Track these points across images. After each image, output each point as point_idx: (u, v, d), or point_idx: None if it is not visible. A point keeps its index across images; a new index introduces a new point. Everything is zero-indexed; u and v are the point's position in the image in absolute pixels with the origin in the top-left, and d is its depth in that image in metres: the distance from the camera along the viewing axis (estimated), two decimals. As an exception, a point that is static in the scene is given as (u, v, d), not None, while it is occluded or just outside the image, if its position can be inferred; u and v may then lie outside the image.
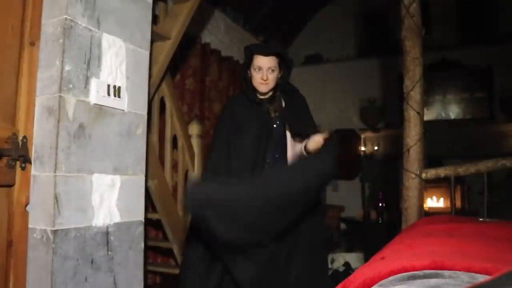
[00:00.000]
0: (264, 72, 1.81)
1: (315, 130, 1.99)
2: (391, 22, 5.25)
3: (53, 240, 1.17)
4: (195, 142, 2.82)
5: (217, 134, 2.01)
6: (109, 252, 1.36)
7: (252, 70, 1.84)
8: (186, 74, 3.76)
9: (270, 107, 1.91)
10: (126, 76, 1.45)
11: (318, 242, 1.88)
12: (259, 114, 1.91)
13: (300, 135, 1.87)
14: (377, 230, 4.46)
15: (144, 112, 1.55)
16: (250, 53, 1.84)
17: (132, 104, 1.48)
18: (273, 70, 1.82)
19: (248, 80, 1.89)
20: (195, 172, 2.78)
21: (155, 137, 2.54)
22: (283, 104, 1.93)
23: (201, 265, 1.77)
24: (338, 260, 3.54)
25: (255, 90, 1.89)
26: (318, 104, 5.43)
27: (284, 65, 1.88)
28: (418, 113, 1.99)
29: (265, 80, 1.81)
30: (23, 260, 1.22)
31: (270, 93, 1.89)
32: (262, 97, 1.91)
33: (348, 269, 3.35)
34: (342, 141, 5.63)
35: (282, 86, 1.90)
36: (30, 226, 1.23)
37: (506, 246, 1.00)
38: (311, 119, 1.99)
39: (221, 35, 4.39)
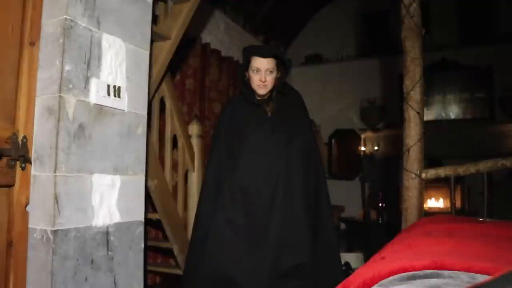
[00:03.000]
0: (262, 73, 1.81)
1: (309, 129, 1.99)
2: (391, 22, 5.25)
3: (53, 240, 1.17)
4: (195, 142, 2.82)
5: (216, 136, 2.01)
6: (109, 252, 1.36)
7: (250, 71, 1.84)
8: (186, 74, 3.76)
9: (266, 108, 1.91)
10: (126, 76, 1.45)
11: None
12: (259, 114, 1.91)
13: (290, 135, 1.87)
14: (377, 230, 4.46)
15: (144, 112, 1.55)
16: (248, 55, 1.84)
17: (132, 104, 1.48)
18: (271, 72, 1.82)
19: (246, 82, 1.89)
20: (195, 172, 2.78)
21: (155, 137, 2.54)
22: (277, 105, 1.93)
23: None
24: (338, 260, 3.53)
25: (253, 91, 1.89)
26: (318, 104, 5.43)
27: (283, 66, 1.88)
28: (418, 113, 1.99)
29: (263, 82, 1.81)
30: (23, 260, 1.22)
31: (268, 94, 1.90)
32: (260, 98, 1.91)
33: (348, 269, 3.35)
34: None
35: (279, 87, 1.90)
36: (30, 226, 1.23)
37: (506, 246, 1.00)
38: (304, 119, 1.98)
39: (221, 35, 4.40)
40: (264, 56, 1.81)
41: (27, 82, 1.27)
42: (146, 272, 1.63)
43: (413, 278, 0.77)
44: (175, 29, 2.38)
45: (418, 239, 1.16)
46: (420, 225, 1.54)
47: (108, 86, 1.37)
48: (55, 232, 1.17)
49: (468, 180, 4.22)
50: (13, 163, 1.22)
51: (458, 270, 0.76)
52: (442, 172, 2.00)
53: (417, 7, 2.03)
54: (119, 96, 1.41)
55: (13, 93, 1.25)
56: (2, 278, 1.19)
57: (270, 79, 1.83)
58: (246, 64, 1.85)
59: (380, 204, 4.56)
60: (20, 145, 1.22)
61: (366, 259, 2.29)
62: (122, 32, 1.44)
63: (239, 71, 1.94)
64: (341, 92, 5.76)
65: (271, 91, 1.88)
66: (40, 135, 1.24)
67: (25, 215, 1.23)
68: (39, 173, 1.22)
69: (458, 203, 4.74)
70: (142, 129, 1.53)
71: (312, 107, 2.06)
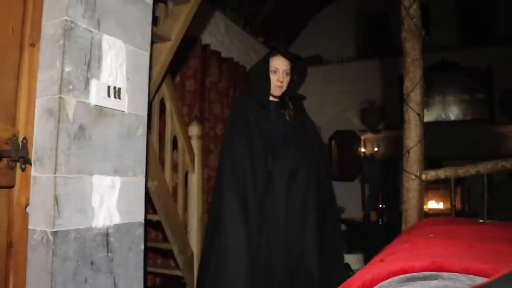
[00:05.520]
0: (280, 73, 1.85)
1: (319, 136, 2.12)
2: (391, 23, 5.26)
3: (53, 241, 1.17)
4: (195, 143, 2.82)
5: (231, 129, 1.96)
6: (109, 254, 1.36)
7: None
8: (186, 75, 3.76)
9: (286, 112, 1.93)
10: (126, 77, 1.45)
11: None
12: (278, 118, 1.93)
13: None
14: (377, 231, 4.46)
15: (144, 113, 1.55)
16: (267, 55, 1.88)
17: (132, 105, 1.48)
18: (287, 74, 1.87)
19: (265, 81, 1.89)
20: (195, 173, 2.78)
21: (155, 138, 2.54)
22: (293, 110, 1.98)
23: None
24: (338, 261, 3.53)
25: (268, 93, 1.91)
26: (318, 105, 5.43)
27: (295, 73, 1.93)
28: (418, 114, 1.99)
29: (281, 82, 1.85)
30: (23, 261, 1.22)
31: (280, 98, 1.92)
32: (272, 99, 1.92)
33: (348, 271, 3.35)
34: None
35: (294, 92, 1.93)
36: (30, 227, 1.23)
37: (506, 248, 1.00)
38: (313, 126, 2.12)
39: (221, 36, 4.40)
40: (285, 56, 1.86)
41: (27, 83, 1.27)
42: (146, 273, 1.63)
43: (413, 279, 0.77)
44: (175, 30, 2.38)
45: (418, 241, 1.16)
46: (420, 227, 1.54)
47: (108, 87, 1.37)
48: (55, 233, 1.17)
49: (468, 181, 4.22)
50: (13, 164, 1.22)
51: (457, 271, 0.76)
52: (442, 173, 2.00)
53: (417, 9, 2.04)
54: (119, 97, 1.41)
55: (13, 94, 1.25)
56: (2, 279, 1.19)
57: (286, 81, 1.87)
58: (265, 65, 1.87)
59: (380, 206, 4.56)
60: (20, 146, 1.23)
61: (366, 260, 2.29)
62: (123, 33, 1.44)
63: (258, 71, 1.91)
64: (341, 93, 5.76)
65: (284, 94, 1.90)
66: (40, 136, 1.24)
67: (25, 216, 1.24)
68: (39, 174, 1.23)
69: (458, 205, 4.73)
70: (142, 130, 1.53)
71: (312, 108, 2.09)
